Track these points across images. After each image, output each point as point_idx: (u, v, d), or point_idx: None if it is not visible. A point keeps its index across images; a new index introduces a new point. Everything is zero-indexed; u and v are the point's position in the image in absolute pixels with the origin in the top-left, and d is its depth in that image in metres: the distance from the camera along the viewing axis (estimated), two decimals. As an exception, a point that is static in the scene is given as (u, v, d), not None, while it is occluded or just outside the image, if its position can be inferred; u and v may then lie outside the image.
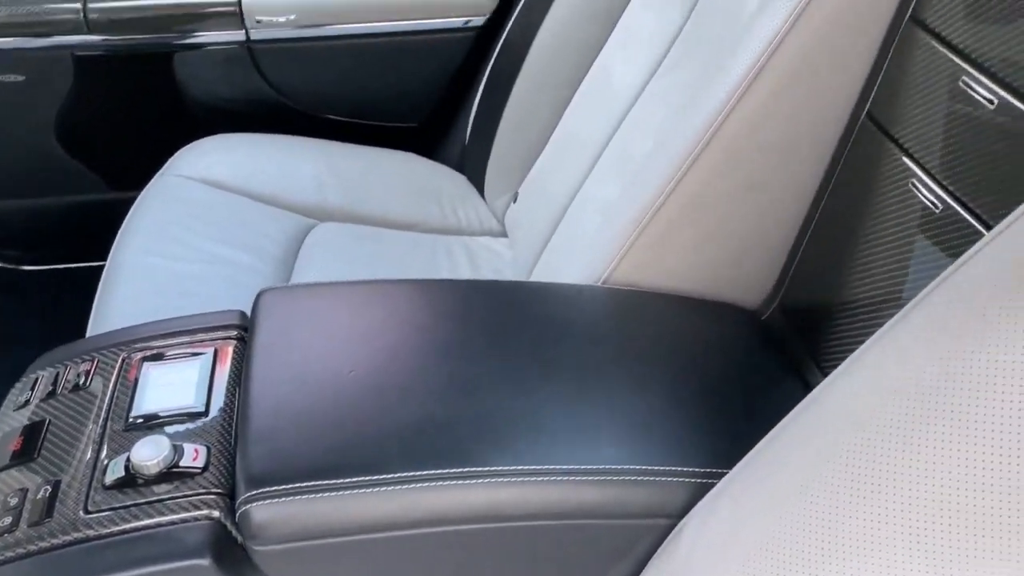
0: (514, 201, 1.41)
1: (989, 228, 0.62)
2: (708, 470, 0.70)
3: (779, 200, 0.94)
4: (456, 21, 1.51)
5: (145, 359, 0.78)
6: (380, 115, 1.62)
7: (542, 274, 1.23)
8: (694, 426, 0.75)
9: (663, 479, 0.69)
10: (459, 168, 1.53)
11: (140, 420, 0.72)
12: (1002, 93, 0.68)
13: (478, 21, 1.51)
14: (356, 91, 1.56)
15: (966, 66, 0.72)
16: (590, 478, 0.67)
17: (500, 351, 0.76)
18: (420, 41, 1.52)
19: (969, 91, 0.71)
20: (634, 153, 1.13)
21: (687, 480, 0.70)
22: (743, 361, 0.90)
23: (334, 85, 1.54)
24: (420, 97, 1.59)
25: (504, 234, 1.43)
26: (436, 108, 1.61)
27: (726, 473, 0.64)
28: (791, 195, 0.94)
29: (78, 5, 1.39)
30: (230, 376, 0.75)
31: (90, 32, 1.40)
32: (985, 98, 0.70)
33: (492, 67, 1.45)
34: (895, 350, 0.51)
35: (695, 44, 1.09)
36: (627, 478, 0.68)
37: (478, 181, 1.47)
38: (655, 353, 0.85)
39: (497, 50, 1.44)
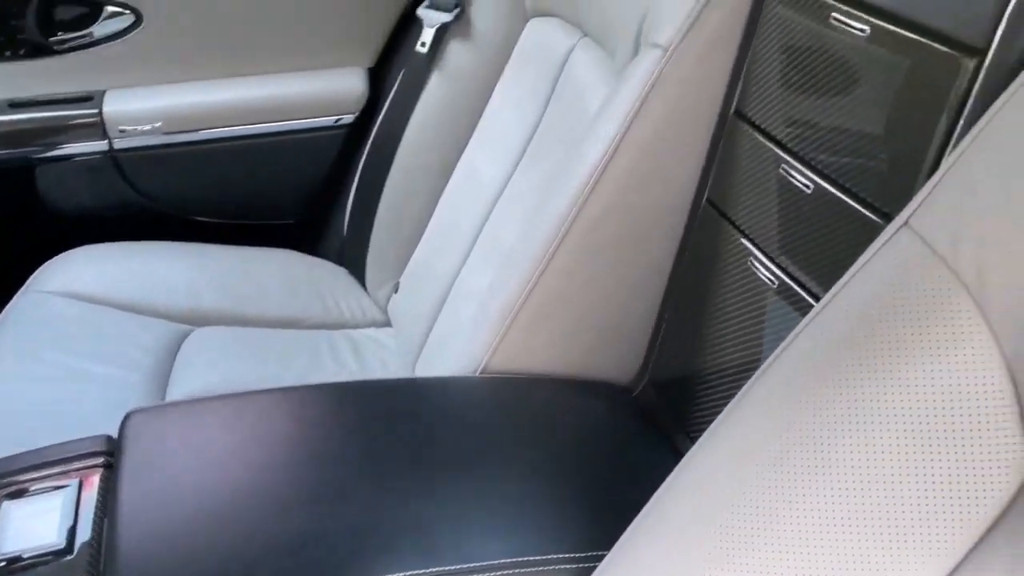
0: (395, 291, 1.43)
1: (819, 300, 0.68)
2: (588, 554, 0.72)
3: (639, 281, 0.99)
4: (327, 120, 1.54)
5: (6, 496, 0.74)
6: (255, 214, 1.62)
7: (425, 364, 1.25)
8: (573, 510, 0.78)
9: (544, 568, 0.71)
10: (339, 261, 1.54)
11: (3, 564, 0.68)
12: (816, 179, 0.76)
13: (348, 119, 1.54)
14: (229, 193, 1.56)
15: (784, 155, 0.79)
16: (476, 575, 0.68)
17: (376, 455, 0.77)
18: (291, 140, 1.54)
19: (789, 177, 0.79)
20: (503, 242, 1.18)
21: (568, 567, 0.72)
22: (618, 438, 0.93)
23: (206, 188, 1.54)
24: (295, 194, 1.60)
25: (388, 324, 1.44)
26: (312, 204, 1.62)
27: (605, 554, 0.66)
28: (650, 276, 0.99)
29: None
30: (96, 507, 0.72)
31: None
32: (803, 183, 0.77)
33: (364, 161, 1.48)
34: (744, 419, 0.56)
35: (550, 141, 1.15)
36: (509, 572, 0.70)
37: (359, 273, 1.48)
38: (532, 438, 0.88)
39: (368, 146, 1.47)
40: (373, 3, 1.47)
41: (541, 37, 1.22)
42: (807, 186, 0.76)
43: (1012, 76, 0.51)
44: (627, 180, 0.90)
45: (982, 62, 0.58)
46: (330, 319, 1.41)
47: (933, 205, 0.52)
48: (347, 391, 0.88)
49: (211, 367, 1.22)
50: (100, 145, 1.43)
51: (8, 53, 1.38)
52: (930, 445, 0.47)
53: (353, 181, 1.52)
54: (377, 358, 1.36)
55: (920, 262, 0.50)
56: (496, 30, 1.28)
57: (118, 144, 1.44)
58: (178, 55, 1.45)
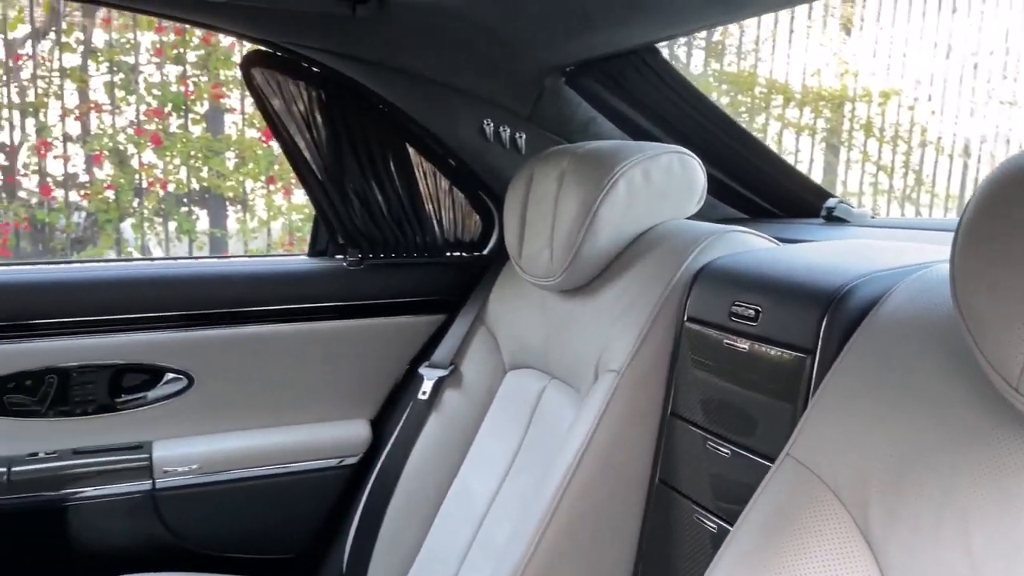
0: (394, 603, 1.62)
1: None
2: None
3: (613, 548, 1.27)
4: (332, 461, 1.85)
5: None
6: (260, 548, 1.83)
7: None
8: None
9: None
10: (339, 588, 1.74)
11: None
12: (731, 447, 1.11)
13: (352, 460, 1.86)
14: (241, 527, 1.79)
15: (707, 435, 1.16)
16: None
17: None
18: (299, 480, 1.83)
19: (714, 450, 1.14)
20: (497, 540, 1.45)
21: None
22: None
23: (223, 523, 1.77)
24: (299, 528, 1.84)
25: (387, 639, 1.61)
26: (313, 538, 1.85)
27: None
28: (621, 544, 1.28)
29: (3, 469, 1.60)
30: None
31: (10, 492, 1.59)
32: (722, 452, 1.12)
33: (368, 495, 1.76)
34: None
35: (530, 458, 1.49)
36: None
37: (359, 595, 1.68)
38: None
39: (371, 481, 1.76)
40: (380, 367, 1.87)
41: (519, 383, 1.62)
42: (726, 453, 1.12)
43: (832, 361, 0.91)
44: (594, 477, 1.24)
45: (814, 357, 0.99)
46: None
47: (802, 437, 0.88)
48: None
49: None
50: (144, 485, 1.69)
51: (79, 411, 1.69)
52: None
53: (355, 512, 1.78)
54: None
55: (796, 477, 0.85)
56: (482, 381, 1.68)
57: (160, 484, 1.70)
58: (217, 411, 1.78)
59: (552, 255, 1.43)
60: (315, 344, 1.82)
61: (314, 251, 1.89)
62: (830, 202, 1.71)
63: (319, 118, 1.68)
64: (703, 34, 5.59)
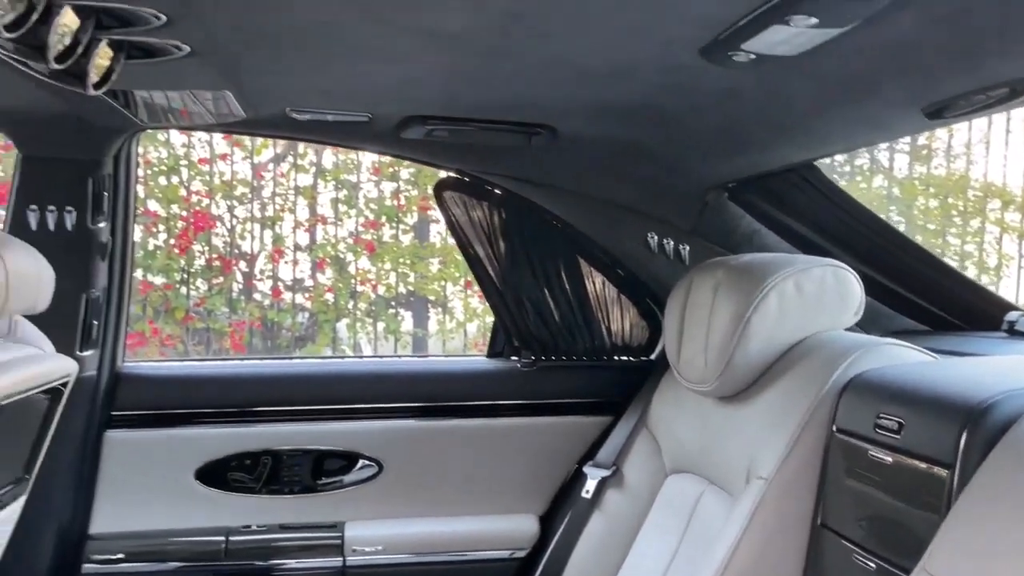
0: None
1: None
2: None
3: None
4: (502, 552, 1.95)
5: None
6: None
7: None
8: None
9: None
10: None
11: None
12: (879, 561, 1.10)
13: (520, 553, 1.95)
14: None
15: (854, 547, 1.15)
16: None
17: None
18: (471, 568, 1.94)
19: (861, 563, 1.13)
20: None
21: None
22: None
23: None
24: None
25: None
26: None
27: None
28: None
29: (223, 539, 1.84)
30: None
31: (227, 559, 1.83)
32: (868, 565, 1.11)
33: (534, 590, 1.84)
34: None
35: (689, 556, 1.52)
36: None
37: None
38: None
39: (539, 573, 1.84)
40: (549, 464, 1.98)
41: (679, 487, 1.66)
42: (871, 566, 1.11)
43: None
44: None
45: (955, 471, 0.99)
46: None
47: (936, 551, 0.88)
48: None
49: None
50: (336, 562, 1.88)
51: (287, 490, 1.93)
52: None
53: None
54: None
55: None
56: (643, 482, 1.74)
57: (350, 562, 1.88)
58: (402, 497, 1.95)
59: (707, 362, 1.49)
60: (491, 440, 1.96)
61: (492, 352, 2.06)
62: (1012, 315, 1.65)
63: (499, 233, 1.87)
64: (907, 138, 5.43)
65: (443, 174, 1.88)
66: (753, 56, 1.11)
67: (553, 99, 1.44)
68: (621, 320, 2.00)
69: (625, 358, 2.03)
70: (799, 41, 1.05)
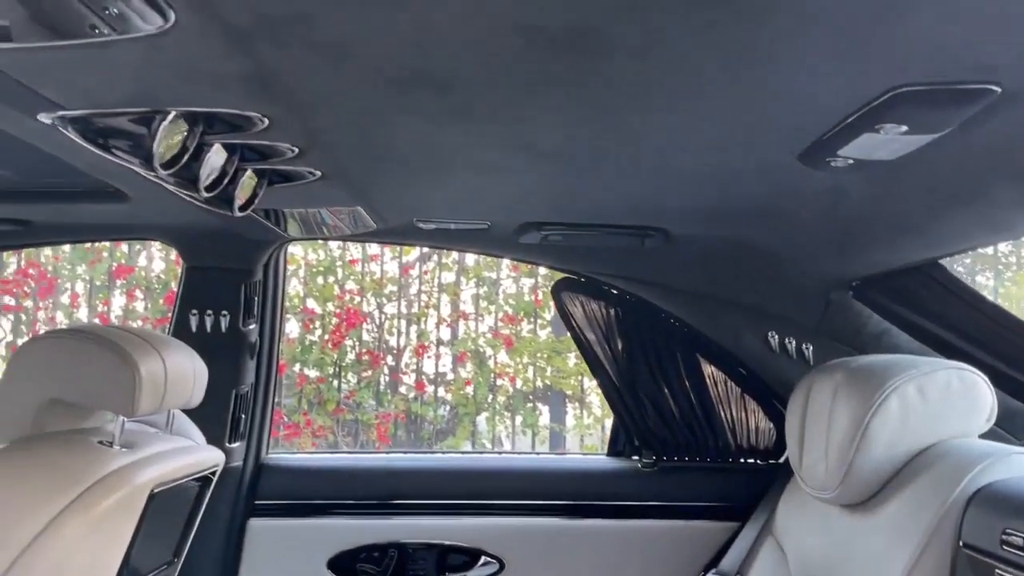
0: None
1: None
2: None
3: None
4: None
5: None
6: None
7: None
8: None
9: None
10: None
11: None
12: None
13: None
14: None
15: None
16: None
17: None
18: None
19: None
20: None
21: None
22: None
23: None
24: None
25: None
26: None
27: None
28: None
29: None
30: None
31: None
32: None
33: None
34: None
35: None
36: None
37: None
38: None
39: None
40: (669, 570, 1.93)
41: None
42: None
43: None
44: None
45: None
46: None
47: None
48: None
49: None
50: None
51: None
52: None
53: None
54: None
55: None
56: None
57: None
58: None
59: (827, 468, 1.44)
60: (611, 541, 1.94)
61: (612, 451, 2.06)
62: None
63: (615, 331, 1.90)
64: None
65: (560, 274, 1.95)
66: (852, 161, 1.12)
67: (662, 203, 1.48)
68: (746, 420, 1.96)
69: (751, 460, 1.98)
70: (895, 147, 1.05)
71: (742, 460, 1.97)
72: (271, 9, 0.73)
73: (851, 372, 1.45)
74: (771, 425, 1.97)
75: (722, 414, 1.95)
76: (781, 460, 1.97)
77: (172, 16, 0.72)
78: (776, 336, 1.82)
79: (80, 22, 0.73)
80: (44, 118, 0.97)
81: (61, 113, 0.97)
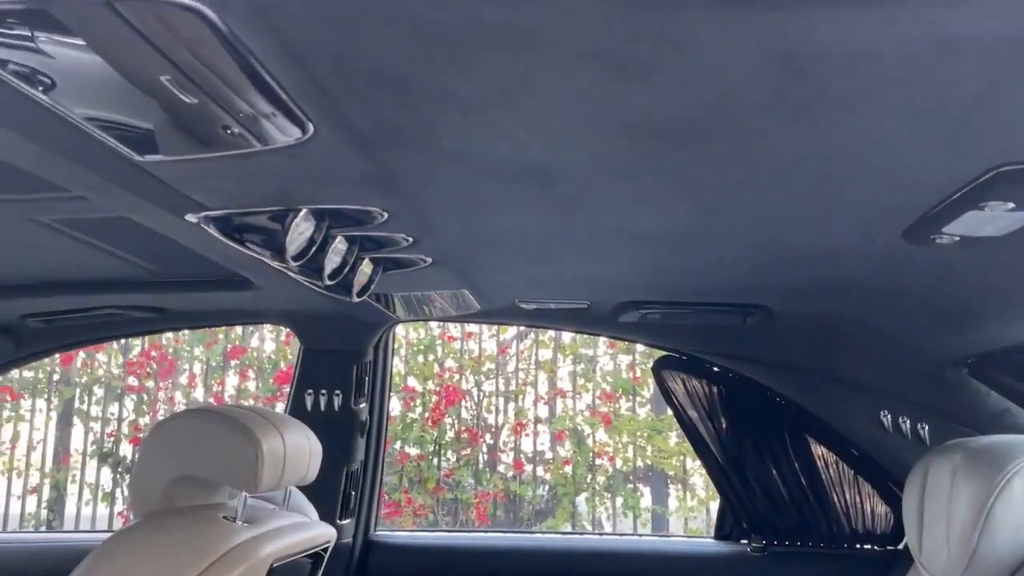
0: None
1: None
2: None
3: None
4: None
5: None
6: None
7: None
8: None
9: None
10: None
11: None
12: None
13: None
14: None
15: None
16: None
17: None
18: None
19: None
20: None
21: None
22: None
23: None
24: None
25: None
26: None
27: None
28: None
29: None
30: None
31: None
32: None
33: None
34: None
35: None
36: None
37: None
38: None
39: None
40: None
41: None
42: None
43: None
44: None
45: None
46: None
47: None
48: None
49: None
50: None
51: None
52: None
53: None
54: None
55: None
56: None
57: None
58: None
59: (949, 554, 1.37)
60: None
61: (720, 534, 2.01)
62: None
63: (719, 410, 1.88)
64: None
65: (660, 353, 1.96)
66: (958, 238, 1.11)
67: (762, 280, 1.49)
68: (860, 504, 1.89)
69: (868, 546, 1.90)
70: (1002, 223, 1.04)
71: (857, 545, 1.90)
72: (396, 117, 0.81)
73: (970, 453, 1.40)
74: (887, 509, 1.89)
75: (834, 497, 1.89)
76: (900, 546, 1.88)
77: (311, 128, 0.80)
78: (889, 415, 1.77)
79: (230, 136, 0.83)
80: (191, 218, 1.08)
81: (205, 213, 1.07)
